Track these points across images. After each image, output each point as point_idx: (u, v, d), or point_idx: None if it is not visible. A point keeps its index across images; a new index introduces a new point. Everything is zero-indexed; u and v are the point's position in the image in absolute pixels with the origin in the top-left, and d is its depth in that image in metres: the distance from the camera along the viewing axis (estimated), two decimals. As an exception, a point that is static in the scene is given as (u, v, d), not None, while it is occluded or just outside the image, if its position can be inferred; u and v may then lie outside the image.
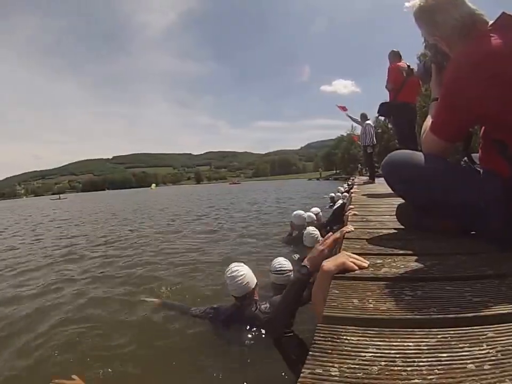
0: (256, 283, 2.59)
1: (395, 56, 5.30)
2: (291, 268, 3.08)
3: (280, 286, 2.94)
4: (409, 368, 0.58)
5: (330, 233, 1.68)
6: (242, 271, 2.52)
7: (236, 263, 2.67)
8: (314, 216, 5.99)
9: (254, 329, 2.39)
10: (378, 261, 1.20)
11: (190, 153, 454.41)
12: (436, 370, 0.56)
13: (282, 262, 3.11)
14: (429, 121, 1.54)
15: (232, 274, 2.50)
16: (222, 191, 37.63)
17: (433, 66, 1.68)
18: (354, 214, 2.51)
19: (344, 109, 9.74)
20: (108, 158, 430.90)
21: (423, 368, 0.58)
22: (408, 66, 4.99)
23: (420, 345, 0.65)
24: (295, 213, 5.74)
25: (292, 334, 1.54)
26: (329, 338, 0.70)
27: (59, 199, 61.71)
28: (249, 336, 2.39)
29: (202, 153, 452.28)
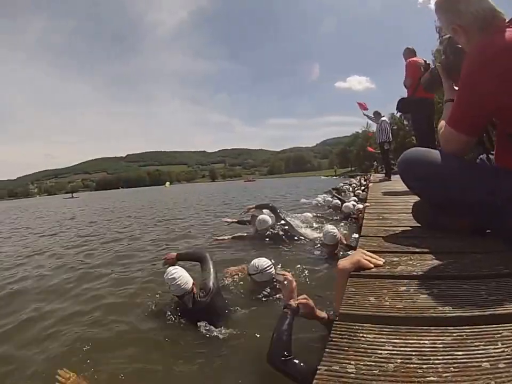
0: (193, 282, 2.78)
1: (410, 53, 5.24)
2: (269, 263, 3.26)
3: (264, 283, 3.15)
4: (425, 366, 0.58)
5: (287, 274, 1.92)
6: (180, 274, 2.71)
7: (172, 267, 2.88)
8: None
9: (201, 320, 2.60)
10: (395, 259, 1.20)
11: (204, 151, 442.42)
12: (451, 368, 0.57)
13: (262, 262, 3.26)
14: (444, 119, 1.53)
15: (171, 277, 2.69)
16: (238, 189, 37.26)
17: (441, 69, 1.67)
18: None
19: (364, 107, 9.60)
20: (122, 157, 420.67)
21: (439, 366, 0.58)
22: (425, 61, 4.91)
23: (435, 343, 0.65)
24: (260, 218, 6.03)
25: (291, 357, 1.62)
26: (345, 336, 0.71)
27: (72, 197, 61.77)
28: (193, 326, 2.61)
29: (216, 150, 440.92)
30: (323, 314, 1.98)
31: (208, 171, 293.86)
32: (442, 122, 1.53)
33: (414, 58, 5.06)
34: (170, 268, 2.82)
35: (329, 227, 4.46)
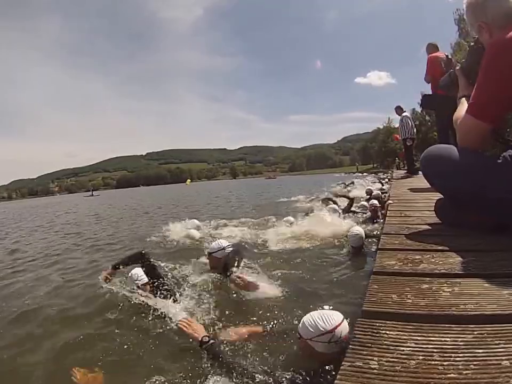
0: None
1: (433, 49, 5.11)
2: (230, 244, 3.57)
3: (220, 261, 3.42)
4: (445, 363, 0.59)
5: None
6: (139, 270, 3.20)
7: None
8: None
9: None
10: (417, 257, 1.19)
11: (225, 148, 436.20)
12: (472, 366, 0.57)
13: (224, 241, 3.57)
14: (459, 112, 1.52)
15: (138, 271, 3.17)
16: (258, 186, 36.75)
17: (460, 69, 1.69)
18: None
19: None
20: (142, 155, 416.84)
21: (459, 363, 0.59)
22: (447, 56, 4.76)
23: (456, 341, 0.65)
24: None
25: None
26: (369, 333, 0.72)
27: (92, 195, 61.68)
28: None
29: (236, 148, 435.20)
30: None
31: (229, 168, 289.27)
32: (457, 115, 1.53)
33: (435, 54, 4.93)
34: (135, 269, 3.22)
35: (354, 229, 4.40)
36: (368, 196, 8.69)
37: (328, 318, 1.71)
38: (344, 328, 1.69)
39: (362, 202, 7.64)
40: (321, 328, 1.67)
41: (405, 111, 7.97)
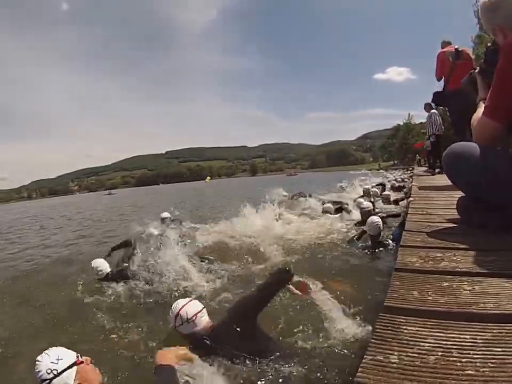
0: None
1: (446, 45, 4.97)
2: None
3: None
4: (464, 360, 0.59)
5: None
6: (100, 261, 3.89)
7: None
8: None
9: None
10: (438, 255, 1.18)
11: (245, 146, 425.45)
12: (489, 364, 0.57)
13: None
14: (477, 114, 1.50)
15: (98, 263, 3.83)
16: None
17: (478, 73, 1.68)
18: None
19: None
20: (161, 153, 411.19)
21: (477, 360, 0.59)
22: (456, 49, 4.57)
23: (475, 339, 0.65)
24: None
25: None
26: (389, 328, 0.73)
27: (110, 194, 61.51)
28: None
29: (257, 145, 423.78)
30: None
31: (249, 165, 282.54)
32: (476, 116, 1.51)
33: (444, 49, 4.77)
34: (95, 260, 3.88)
35: (374, 218, 4.36)
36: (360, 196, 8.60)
37: (174, 304, 1.89)
38: (189, 307, 1.84)
39: (359, 199, 7.56)
40: (171, 315, 1.84)
41: (434, 109, 7.77)
